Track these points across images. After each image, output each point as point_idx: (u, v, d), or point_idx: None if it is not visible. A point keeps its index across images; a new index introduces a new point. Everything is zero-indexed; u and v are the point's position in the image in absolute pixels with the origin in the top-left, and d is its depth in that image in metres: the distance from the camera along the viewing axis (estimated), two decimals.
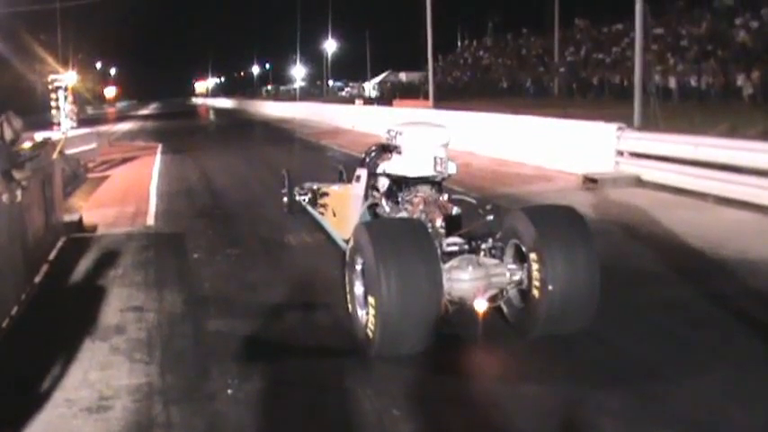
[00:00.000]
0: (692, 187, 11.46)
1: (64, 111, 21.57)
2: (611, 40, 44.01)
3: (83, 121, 27.37)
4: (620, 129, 13.48)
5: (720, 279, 7.08)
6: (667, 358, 5.26)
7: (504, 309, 5.84)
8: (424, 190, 6.85)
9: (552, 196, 11.66)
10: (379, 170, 7.36)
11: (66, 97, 21.82)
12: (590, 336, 5.57)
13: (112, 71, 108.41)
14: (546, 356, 5.40)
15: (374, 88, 75.76)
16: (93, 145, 21.16)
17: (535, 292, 5.40)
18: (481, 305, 5.45)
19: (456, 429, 4.40)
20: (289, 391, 4.96)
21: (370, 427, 4.42)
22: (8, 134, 7.63)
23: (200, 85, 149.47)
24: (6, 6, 33.61)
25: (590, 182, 13.01)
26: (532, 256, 5.43)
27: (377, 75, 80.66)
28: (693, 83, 32.13)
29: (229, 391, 4.90)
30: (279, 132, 33.72)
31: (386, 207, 7.06)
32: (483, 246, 5.97)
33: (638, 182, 12.69)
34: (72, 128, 22.21)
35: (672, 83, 32.39)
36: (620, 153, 13.37)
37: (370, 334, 5.17)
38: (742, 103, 27.10)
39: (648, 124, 14.66)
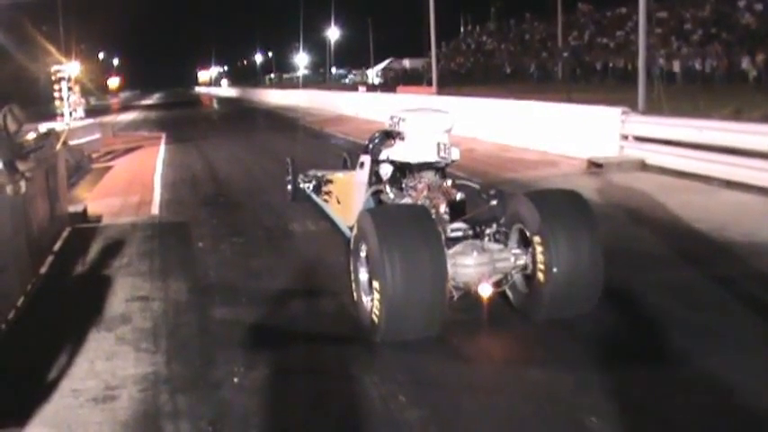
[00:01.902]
0: (696, 171, 11.42)
1: (68, 101, 21.52)
2: (615, 24, 43.98)
3: (86, 112, 27.34)
4: (624, 113, 13.43)
5: (725, 262, 7.07)
6: (672, 342, 5.25)
7: (509, 294, 5.84)
8: (428, 176, 6.85)
9: (557, 181, 11.64)
10: (383, 157, 7.35)
11: (69, 88, 21.77)
12: (595, 319, 5.56)
13: (115, 61, 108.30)
14: (551, 341, 5.40)
15: (377, 75, 75.67)
16: (97, 135, 21.16)
17: (540, 276, 5.40)
18: (486, 290, 5.47)
19: (462, 415, 4.40)
20: (294, 379, 4.97)
21: (376, 413, 4.42)
22: (11, 125, 7.63)
23: (204, 75, 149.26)
24: None
25: (595, 166, 12.98)
26: (536, 239, 5.43)
27: (380, 62, 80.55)
28: (698, 66, 32.02)
29: (235, 379, 4.91)
30: (282, 120, 33.68)
31: (390, 194, 7.05)
32: (487, 231, 5.98)
33: (643, 166, 12.65)
34: (80, 117, 22.22)
35: (676, 66, 32.32)
36: (625, 137, 13.33)
37: (375, 319, 5.18)
38: (747, 86, 27.01)
39: (653, 108, 14.60)
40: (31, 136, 10.35)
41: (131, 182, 14.85)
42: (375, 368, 4.99)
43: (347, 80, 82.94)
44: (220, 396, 4.70)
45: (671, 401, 4.35)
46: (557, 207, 5.54)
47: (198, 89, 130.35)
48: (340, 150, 12.11)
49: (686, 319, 5.66)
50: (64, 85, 21.55)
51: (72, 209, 10.55)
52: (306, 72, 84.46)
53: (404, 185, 6.97)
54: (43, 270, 7.83)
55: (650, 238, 8.15)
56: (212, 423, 4.36)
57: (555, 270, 5.27)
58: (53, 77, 22.09)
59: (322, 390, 4.78)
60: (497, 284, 5.69)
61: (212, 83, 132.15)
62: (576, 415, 4.25)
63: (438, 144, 6.67)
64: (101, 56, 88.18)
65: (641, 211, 9.42)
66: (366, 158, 7.76)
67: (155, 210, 11.47)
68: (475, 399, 4.60)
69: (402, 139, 6.95)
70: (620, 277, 6.23)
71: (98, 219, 10.64)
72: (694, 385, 4.56)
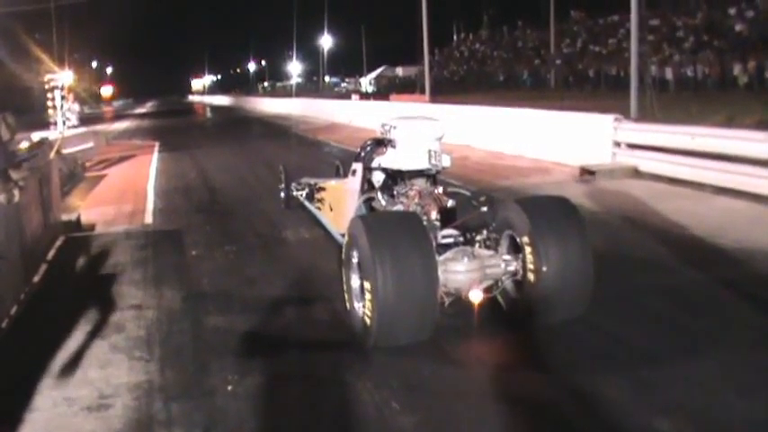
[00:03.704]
0: (689, 177, 11.47)
1: (61, 110, 21.52)
2: (607, 31, 44.07)
3: (80, 120, 27.34)
4: (616, 120, 13.47)
5: (718, 267, 7.10)
6: (665, 345, 5.28)
7: (500, 299, 5.87)
8: (419, 183, 6.88)
9: (550, 188, 11.65)
10: (375, 164, 7.40)
11: (63, 96, 21.77)
12: (588, 323, 5.60)
13: (108, 70, 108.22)
14: (544, 345, 5.43)
15: (370, 83, 75.79)
16: (91, 144, 21.17)
17: (530, 276, 5.45)
18: (477, 296, 5.49)
19: (456, 420, 4.42)
20: (288, 386, 4.98)
21: (369, 420, 4.43)
22: (5, 134, 7.63)
23: (197, 83, 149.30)
24: (2, 5, 33.53)
25: (587, 173, 13.01)
26: (525, 239, 5.49)
27: (373, 70, 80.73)
28: (690, 73, 32.13)
29: (229, 387, 4.91)
30: (275, 129, 33.69)
31: (382, 201, 7.09)
32: (478, 237, 6.02)
33: (636, 173, 12.69)
34: (74, 126, 22.23)
35: (668, 73, 32.41)
36: (617, 144, 13.37)
37: (367, 324, 5.20)
38: (738, 93, 27.10)
39: (645, 115, 14.68)
40: (24, 145, 10.37)
41: (125, 190, 14.84)
42: (368, 374, 4.99)
43: (340, 88, 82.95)
44: (214, 404, 4.70)
45: (664, 405, 4.38)
46: (546, 212, 5.60)
47: (191, 97, 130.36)
48: (333, 158, 12.15)
49: (680, 323, 5.70)
50: (57, 93, 21.54)
51: (65, 217, 10.55)
52: (299, 80, 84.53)
53: (395, 193, 7.00)
54: (36, 279, 7.81)
55: (643, 243, 8.19)
56: (206, 431, 4.38)
57: (545, 269, 5.31)
58: (46, 86, 22.08)
59: (316, 396, 4.80)
60: (488, 290, 5.73)
61: (205, 91, 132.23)
62: (570, 419, 4.28)
63: (429, 151, 6.70)
64: (94, 64, 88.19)
65: (633, 218, 9.46)
66: (358, 166, 7.80)
67: (148, 218, 11.47)
68: (468, 405, 4.62)
69: (393, 146, 6.99)
70: (611, 282, 6.27)
71: (91, 227, 10.63)
72: (689, 389, 4.58)
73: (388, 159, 7.07)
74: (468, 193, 7.00)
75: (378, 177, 7.42)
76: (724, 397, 4.47)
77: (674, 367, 4.90)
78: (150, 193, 14.02)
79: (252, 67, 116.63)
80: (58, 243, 9.50)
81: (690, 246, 7.96)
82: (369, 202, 7.44)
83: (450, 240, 6.02)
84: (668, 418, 4.23)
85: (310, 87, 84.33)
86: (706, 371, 4.82)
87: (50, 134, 17.50)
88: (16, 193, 7.12)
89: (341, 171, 9.87)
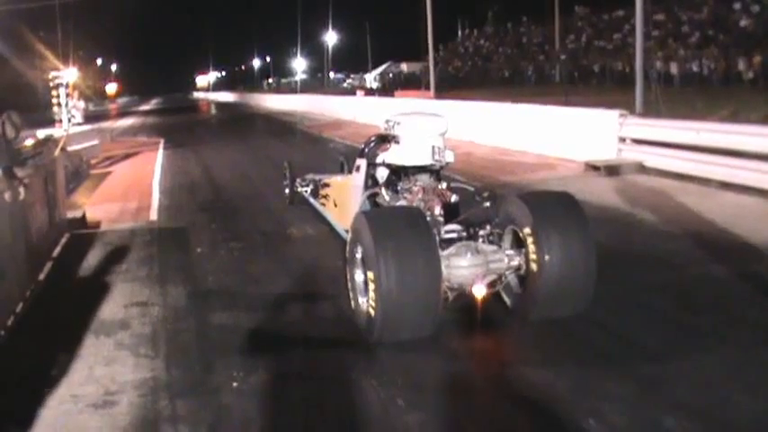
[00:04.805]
0: (694, 173, 11.44)
1: (66, 107, 21.53)
2: (612, 26, 44.01)
3: (84, 118, 27.34)
4: (622, 115, 13.44)
5: (724, 263, 7.06)
6: (669, 343, 5.26)
7: (503, 294, 5.88)
8: (423, 179, 6.89)
9: (555, 184, 11.65)
10: (379, 160, 7.40)
11: (67, 94, 21.77)
12: (591, 320, 5.59)
13: (113, 67, 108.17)
14: (548, 342, 5.42)
15: (375, 79, 75.66)
16: (96, 141, 21.19)
17: (533, 266, 5.44)
18: (480, 291, 5.50)
19: (461, 417, 4.42)
20: (293, 383, 4.98)
21: (375, 417, 4.44)
22: (10, 132, 7.64)
23: (202, 80, 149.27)
24: (6, 3, 33.54)
25: (593, 169, 13.00)
26: (527, 230, 5.50)
27: (378, 66, 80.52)
28: (695, 68, 32.04)
29: (234, 384, 4.92)
30: (280, 125, 33.69)
31: (385, 196, 7.10)
32: (481, 232, 6.02)
33: (641, 168, 12.66)
34: (79, 123, 22.26)
35: (673, 69, 32.32)
36: (623, 140, 13.34)
37: (371, 320, 5.21)
38: (743, 88, 27.01)
39: (650, 110, 14.61)
40: (29, 142, 10.38)
41: (130, 187, 14.86)
42: (373, 372, 5.00)
43: (345, 84, 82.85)
44: (220, 401, 4.71)
45: (668, 403, 4.37)
46: (548, 206, 5.61)
47: (196, 94, 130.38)
48: (337, 155, 12.14)
49: (685, 320, 5.69)
50: (62, 91, 21.55)
51: (71, 215, 10.55)
52: (304, 76, 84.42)
53: (399, 188, 7.01)
54: (42, 276, 7.83)
55: (648, 239, 8.17)
56: (212, 428, 4.38)
57: (547, 263, 5.31)
58: (51, 84, 22.09)
59: (321, 394, 4.80)
60: (491, 285, 5.74)
61: (210, 88, 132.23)
62: (575, 417, 4.27)
63: (433, 147, 6.70)
64: (99, 62, 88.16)
65: (639, 214, 9.43)
66: (362, 162, 7.80)
67: (153, 215, 11.48)
68: (472, 401, 4.62)
69: (397, 142, 6.98)
70: (615, 278, 6.27)
71: (97, 225, 10.65)
72: (693, 387, 4.57)
73: (391, 155, 7.07)
74: (471, 189, 7.00)
75: (382, 173, 7.43)
76: (728, 395, 4.45)
77: (677, 365, 4.88)
78: (155, 191, 14.04)
79: (257, 63, 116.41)
80: (64, 240, 9.52)
81: (697, 241, 7.92)
82: (373, 198, 7.44)
83: (454, 235, 6.03)
84: (672, 416, 4.22)
85: (315, 84, 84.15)
86: (710, 369, 4.81)
87: (55, 132, 17.48)
88: (21, 190, 7.13)
89: (345, 167, 9.86)
